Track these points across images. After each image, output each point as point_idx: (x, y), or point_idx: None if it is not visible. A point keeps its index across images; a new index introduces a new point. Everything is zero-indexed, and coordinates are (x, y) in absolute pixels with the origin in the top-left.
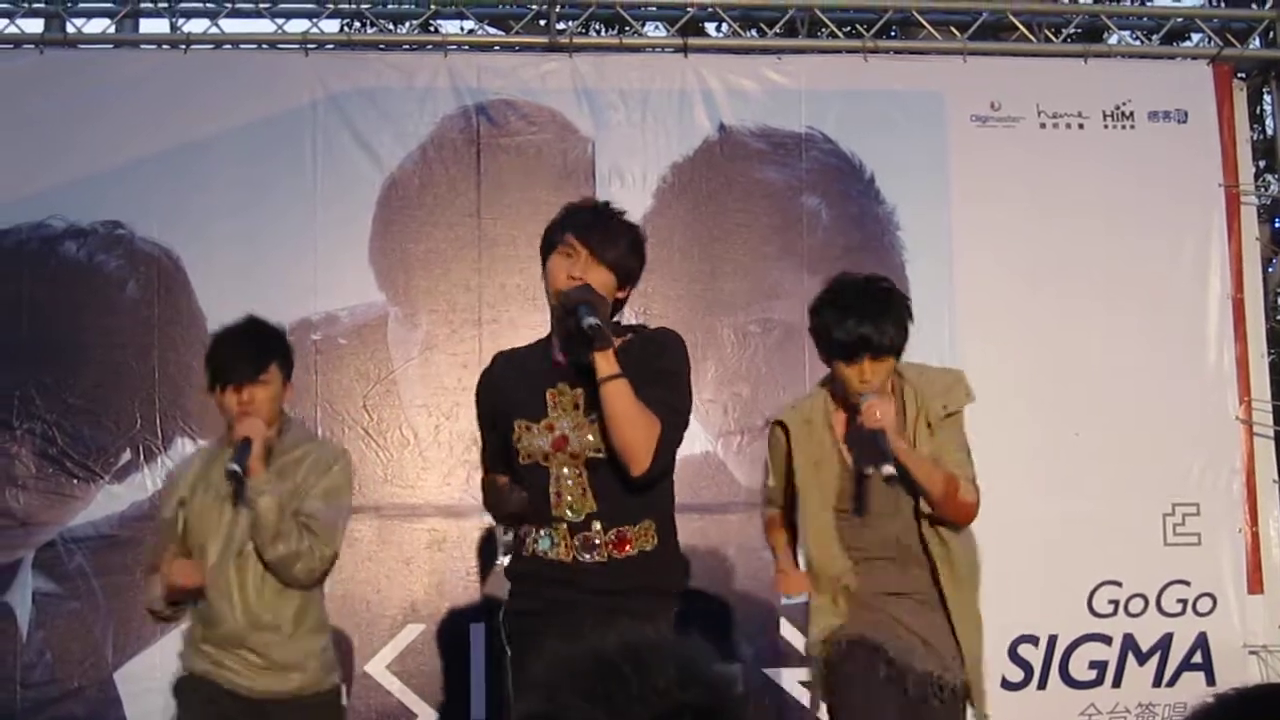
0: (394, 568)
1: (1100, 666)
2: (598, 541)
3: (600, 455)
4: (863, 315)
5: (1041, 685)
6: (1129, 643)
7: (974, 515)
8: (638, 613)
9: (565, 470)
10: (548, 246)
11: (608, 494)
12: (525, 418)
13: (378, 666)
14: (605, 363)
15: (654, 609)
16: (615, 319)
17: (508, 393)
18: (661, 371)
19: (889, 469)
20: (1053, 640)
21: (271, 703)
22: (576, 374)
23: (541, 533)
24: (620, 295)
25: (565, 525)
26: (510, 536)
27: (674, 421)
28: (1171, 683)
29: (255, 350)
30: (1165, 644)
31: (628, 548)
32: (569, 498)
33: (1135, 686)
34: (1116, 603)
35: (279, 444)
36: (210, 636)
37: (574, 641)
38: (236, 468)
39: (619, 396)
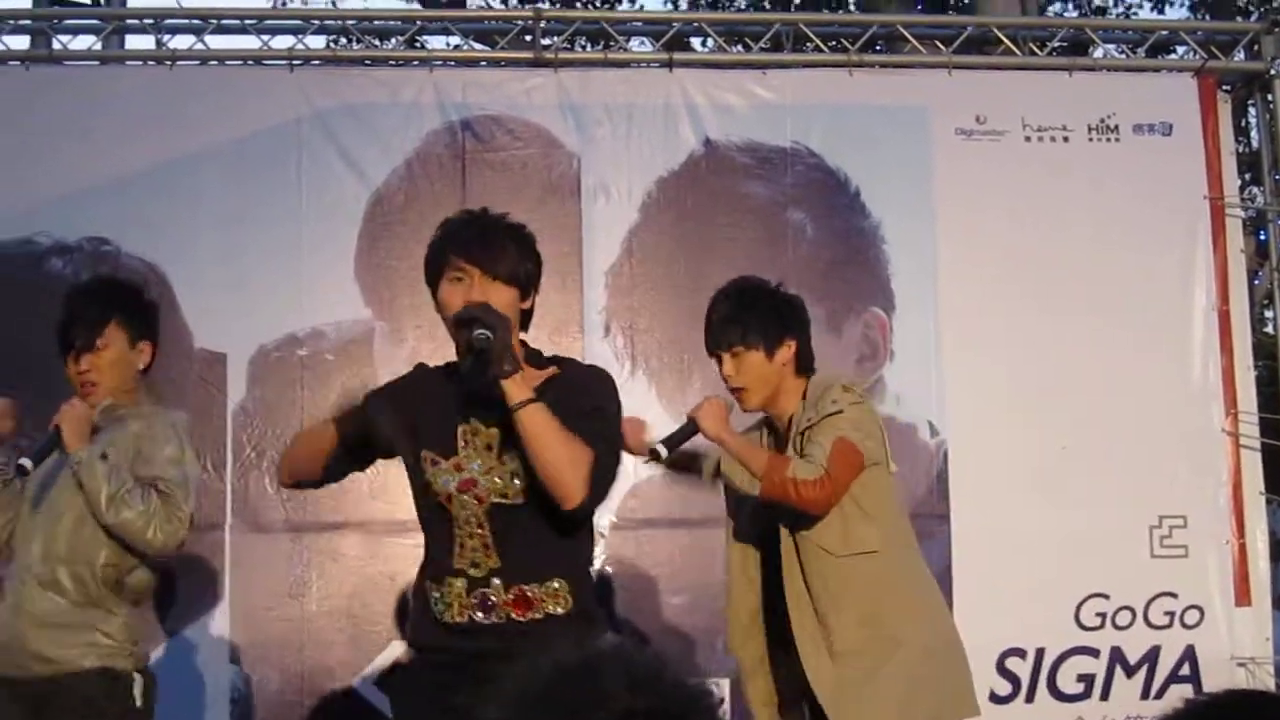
0: (381, 583)
1: (1088, 679)
2: (494, 600)
3: (507, 502)
4: (714, 318)
5: (1029, 698)
6: (1117, 655)
7: (819, 498)
8: None
9: (468, 517)
10: (434, 273)
11: (513, 548)
12: (434, 451)
13: (366, 682)
14: (515, 388)
15: None
16: (522, 341)
17: (421, 416)
18: (592, 411)
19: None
20: (1040, 653)
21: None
22: (489, 409)
23: (438, 590)
24: (524, 306)
25: (463, 581)
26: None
27: (607, 453)
28: (1159, 695)
29: (94, 312)
30: (1153, 656)
31: (531, 611)
32: (472, 551)
33: (1123, 699)
34: (1104, 615)
35: (125, 412)
36: None
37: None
38: (25, 462)
39: (537, 421)
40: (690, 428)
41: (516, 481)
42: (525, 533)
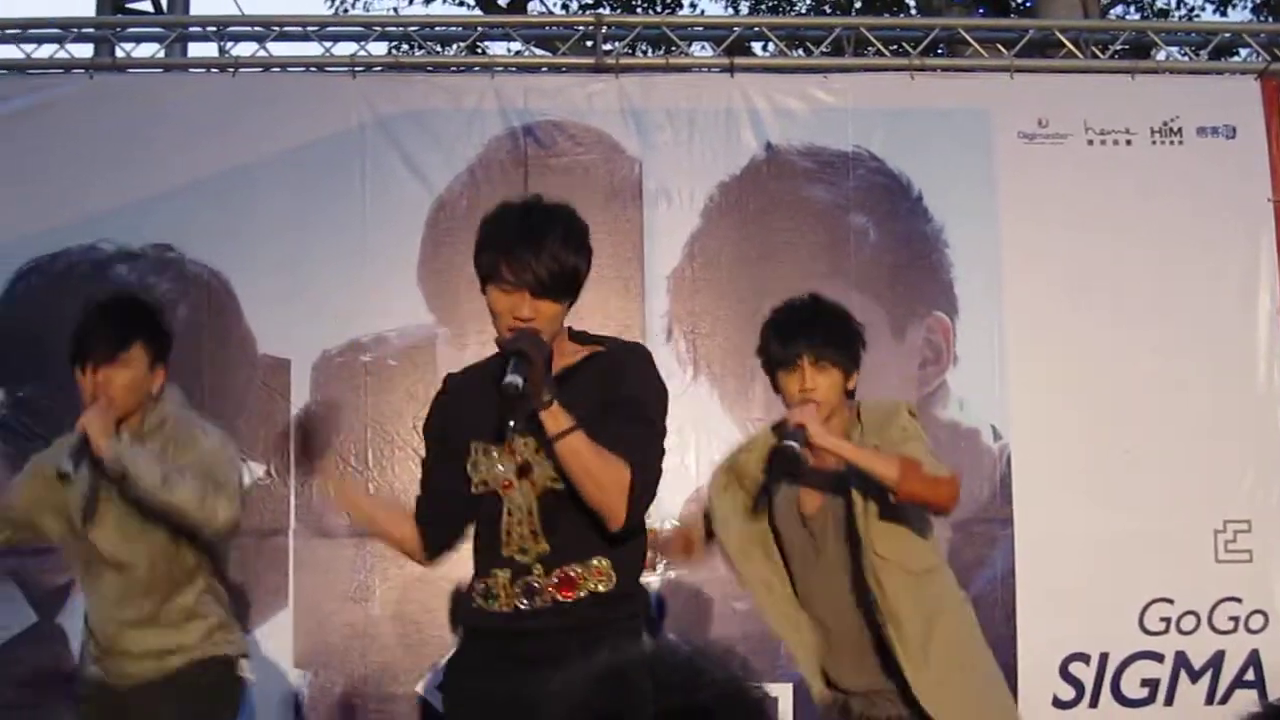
0: (443, 589)
1: (1152, 684)
2: (537, 585)
3: (558, 487)
4: (797, 323)
5: (1093, 703)
6: (1181, 660)
7: (955, 494)
8: (597, 644)
9: (520, 504)
10: (485, 273)
11: (559, 532)
12: (483, 440)
13: (428, 687)
14: (552, 420)
15: (616, 635)
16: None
17: (464, 412)
18: (624, 401)
19: (789, 442)
20: (1104, 658)
21: None
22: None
23: (482, 583)
24: (571, 303)
25: (508, 571)
26: None
27: (644, 457)
28: (1224, 700)
29: (117, 326)
30: (1217, 662)
31: (575, 590)
32: (519, 539)
33: (1187, 705)
34: (1168, 620)
35: (138, 430)
36: None
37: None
38: (66, 466)
39: (576, 453)
40: (801, 435)
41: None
42: (571, 516)
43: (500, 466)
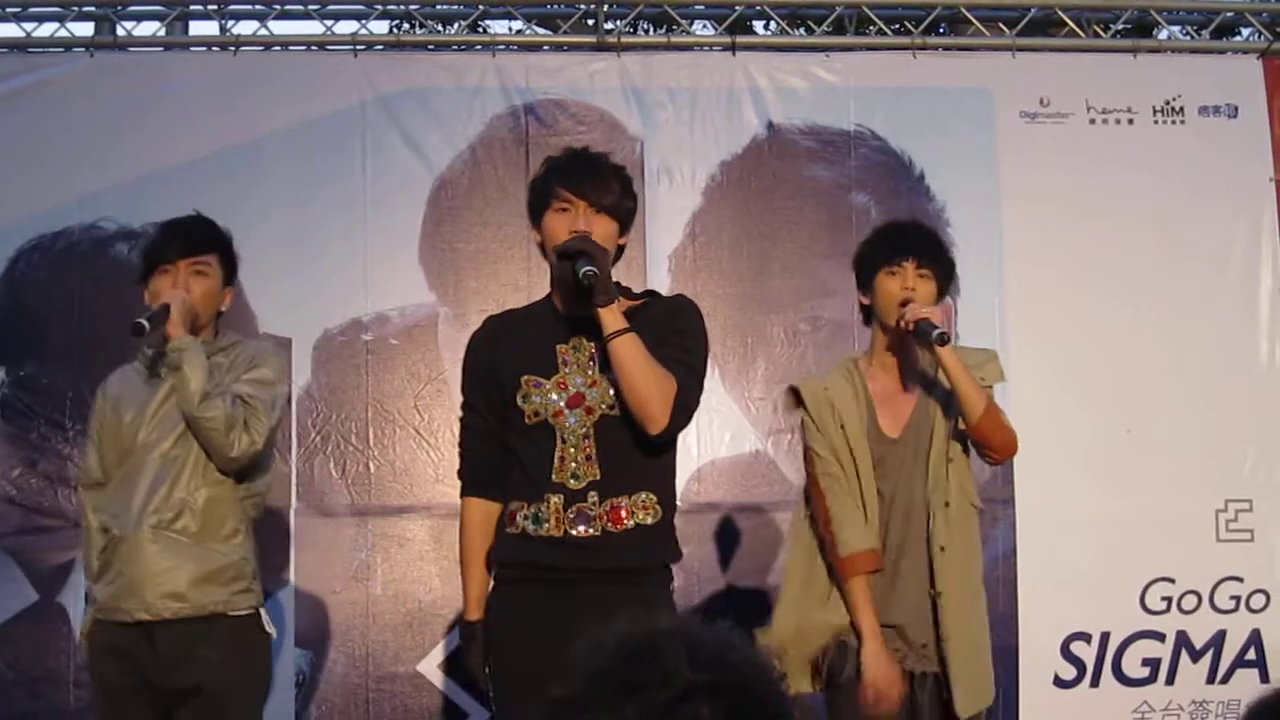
0: (446, 567)
1: (1153, 664)
2: (592, 513)
3: (613, 413)
4: (906, 233)
5: (1094, 683)
6: (1182, 640)
7: (1015, 446)
8: (634, 594)
9: (573, 432)
10: (539, 206)
11: (612, 461)
12: (535, 373)
13: (429, 665)
14: (611, 317)
15: (652, 588)
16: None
17: (510, 348)
18: (676, 331)
19: (939, 333)
20: (1105, 637)
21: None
22: (586, 328)
23: (531, 508)
24: (621, 241)
25: (561, 496)
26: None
27: (690, 380)
28: (1225, 680)
29: (195, 235)
30: (1218, 641)
31: (625, 520)
32: (573, 464)
33: (1188, 684)
34: (1169, 600)
35: (210, 344)
36: None
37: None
38: (142, 321)
39: (630, 351)
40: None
41: (614, 394)
42: (624, 444)
43: (554, 395)
